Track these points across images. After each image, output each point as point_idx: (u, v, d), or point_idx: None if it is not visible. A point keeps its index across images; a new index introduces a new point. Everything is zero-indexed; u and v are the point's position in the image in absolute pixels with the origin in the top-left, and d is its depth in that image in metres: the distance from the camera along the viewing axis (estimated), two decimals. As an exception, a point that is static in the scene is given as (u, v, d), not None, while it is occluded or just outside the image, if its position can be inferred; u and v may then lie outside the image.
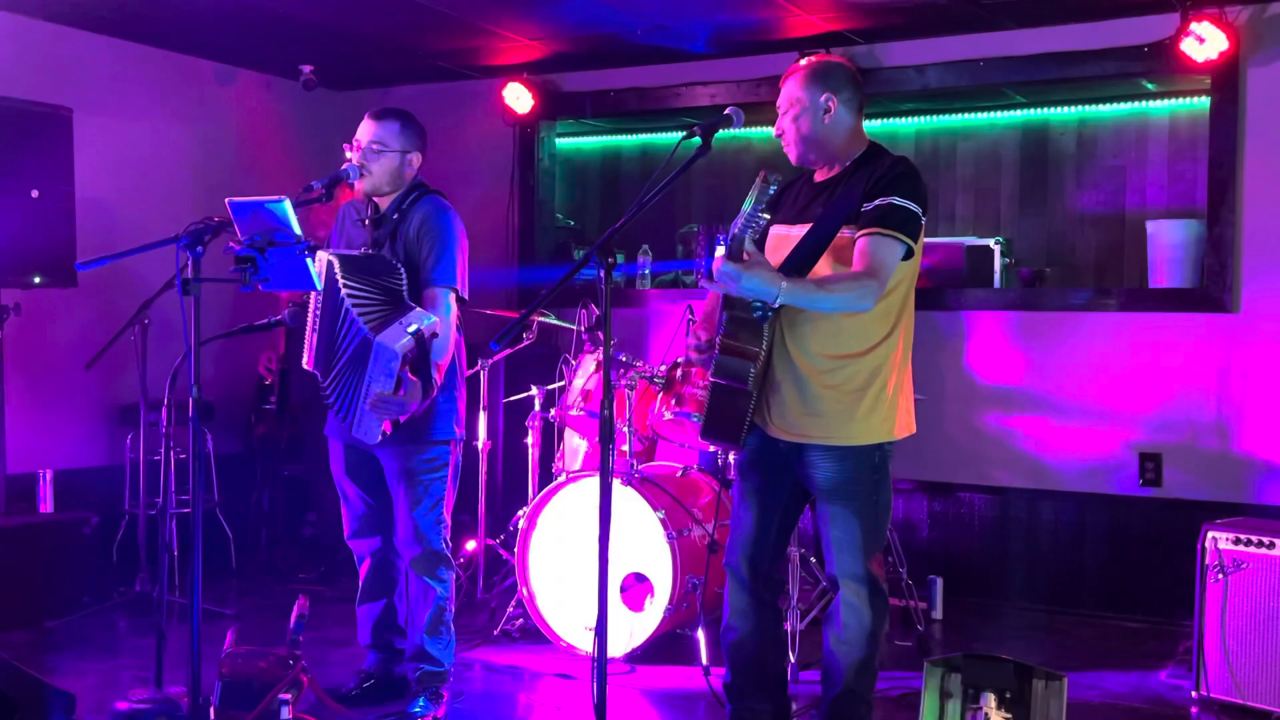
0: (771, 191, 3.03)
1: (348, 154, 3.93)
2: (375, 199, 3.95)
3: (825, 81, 3.42)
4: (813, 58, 3.53)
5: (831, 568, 3.44)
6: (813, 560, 4.79)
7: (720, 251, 3.10)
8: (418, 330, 3.61)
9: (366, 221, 3.96)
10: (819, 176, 3.47)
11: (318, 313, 3.84)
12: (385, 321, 3.64)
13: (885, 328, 3.35)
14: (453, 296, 3.85)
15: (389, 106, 4.00)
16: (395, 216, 3.92)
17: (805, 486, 3.47)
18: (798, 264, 3.27)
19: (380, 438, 3.73)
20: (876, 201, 3.24)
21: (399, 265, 3.79)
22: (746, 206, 3.06)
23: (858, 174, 3.37)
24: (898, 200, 3.23)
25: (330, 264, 3.77)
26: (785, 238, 3.40)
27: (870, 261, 3.19)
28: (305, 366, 3.92)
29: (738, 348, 3.29)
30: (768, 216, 3.12)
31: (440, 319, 3.72)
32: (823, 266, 3.29)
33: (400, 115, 3.96)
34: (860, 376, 3.34)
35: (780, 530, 3.57)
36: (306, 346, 3.88)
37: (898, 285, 3.31)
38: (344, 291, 3.69)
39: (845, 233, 3.27)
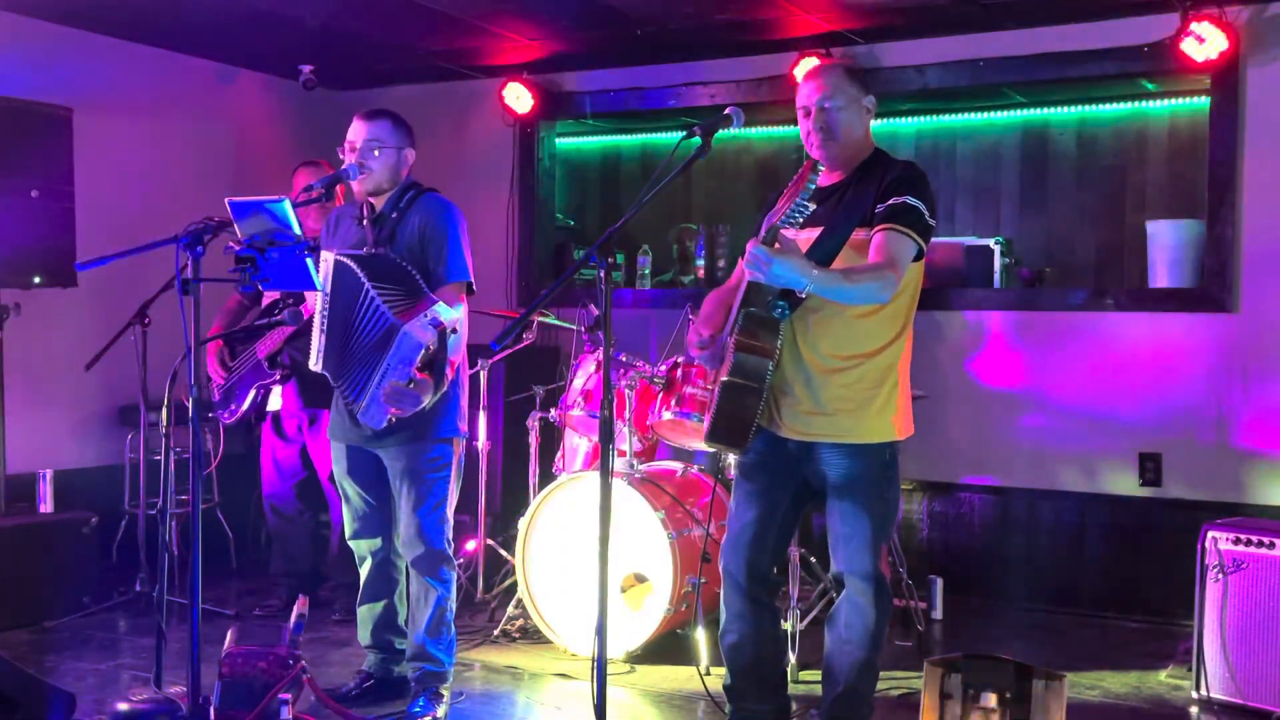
0: (813, 186, 2.99)
1: (342, 157, 3.94)
2: (371, 199, 3.96)
3: (864, 83, 3.47)
4: (829, 59, 3.54)
5: (839, 565, 3.44)
6: (813, 560, 4.79)
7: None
8: (440, 325, 3.66)
9: (365, 222, 3.96)
10: (823, 180, 3.46)
11: (325, 313, 3.84)
12: (410, 311, 3.68)
13: (895, 329, 3.39)
14: (464, 292, 3.90)
15: (376, 107, 4.03)
16: (394, 216, 3.93)
17: (813, 486, 3.48)
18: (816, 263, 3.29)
19: (385, 424, 3.74)
20: (890, 201, 3.26)
21: (406, 264, 3.80)
22: (794, 197, 3.03)
23: (867, 177, 3.38)
24: (911, 200, 3.26)
25: (341, 263, 3.78)
26: (792, 239, 3.39)
27: (887, 254, 3.22)
28: (312, 368, 3.92)
29: (755, 345, 3.27)
30: (814, 205, 3.09)
31: (457, 316, 3.79)
32: (838, 266, 3.30)
33: (390, 113, 4.00)
34: (871, 376, 3.38)
35: (780, 533, 3.57)
36: (314, 348, 3.88)
37: (906, 288, 3.34)
38: (369, 284, 3.71)
39: (860, 234, 3.30)
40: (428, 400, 3.72)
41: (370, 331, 3.74)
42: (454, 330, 3.73)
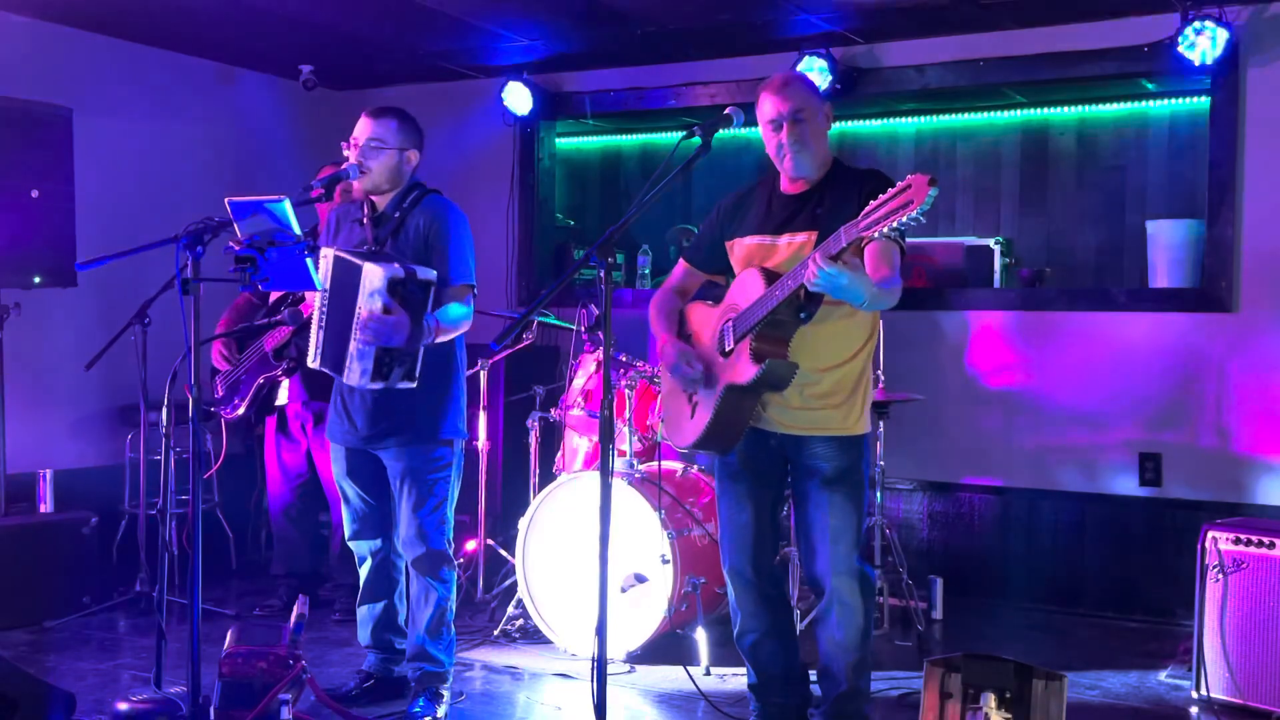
0: (928, 207, 2.80)
1: (346, 153, 3.93)
2: (373, 198, 3.95)
3: (823, 95, 3.54)
4: (790, 71, 3.55)
5: (823, 565, 3.46)
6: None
7: None
8: (412, 270, 3.64)
9: (365, 221, 3.96)
10: (793, 189, 3.49)
11: (324, 309, 3.83)
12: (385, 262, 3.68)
13: (869, 330, 3.49)
14: (469, 293, 3.89)
15: (386, 105, 4.00)
16: (396, 216, 3.92)
17: (798, 479, 3.51)
18: None
19: (368, 381, 3.66)
20: None
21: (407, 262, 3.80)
22: (896, 210, 2.84)
23: (837, 185, 3.42)
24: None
25: (340, 259, 3.77)
26: (772, 247, 3.45)
27: (891, 264, 3.29)
28: (311, 364, 3.92)
29: (780, 352, 3.28)
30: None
31: (465, 313, 3.84)
32: None
33: (398, 113, 3.96)
34: (854, 373, 3.46)
35: (773, 529, 3.63)
36: (313, 344, 3.87)
37: None
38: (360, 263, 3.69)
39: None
40: (403, 341, 3.63)
41: (345, 289, 3.71)
42: (430, 282, 3.69)
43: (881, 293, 3.20)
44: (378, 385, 3.71)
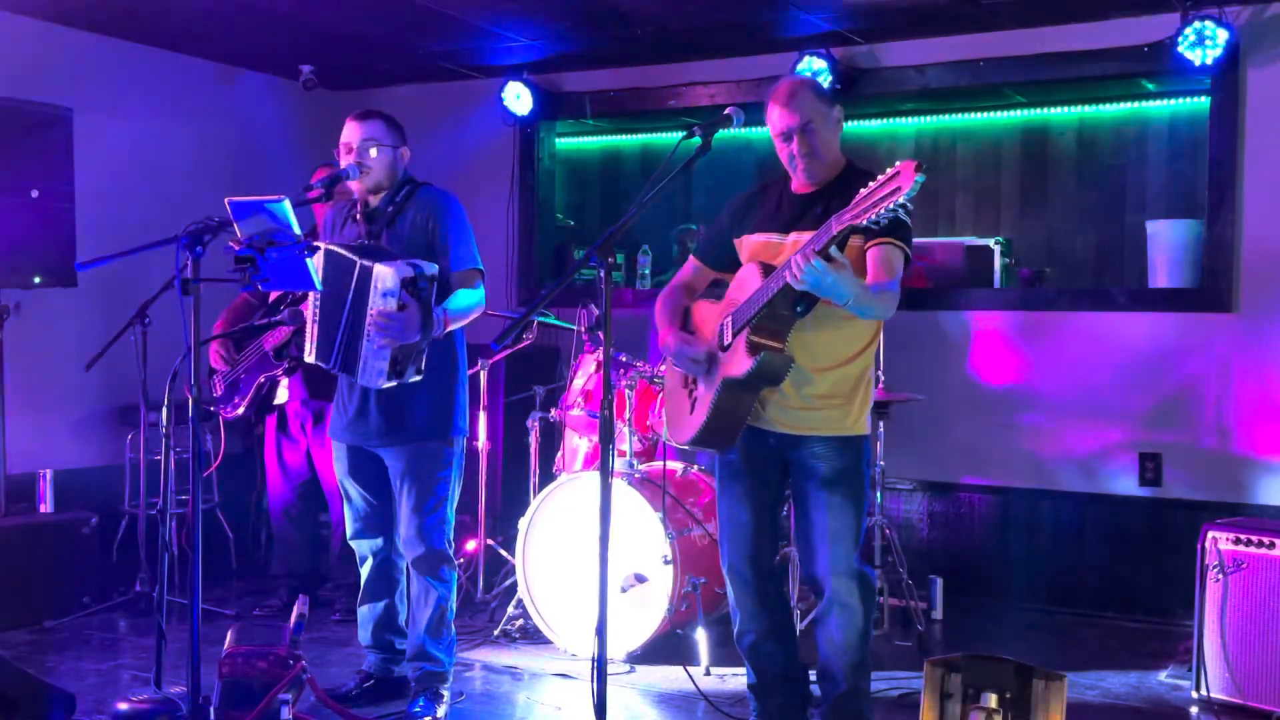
0: (915, 192, 2.82)
1: (338, 160, 3.94)
2: (369, 197, 3.96)
3: (832, 96, 3.52)
4: (795, 76, 3.54)
5: (822, 566, 3.46)
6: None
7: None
8: (419, 266, 3.67)
9: (358, 217, 3.98)
10: (803, 189, 3.50)
11: (318, 304, 3.84)
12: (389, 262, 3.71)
13: (872, 331, 3.48)
14: (478, 278, 3.92)
15: (367, 109, 4.04)
16: (389, 210, 3.94)
17: (797, 479, 3.51)
18: None
19: (384, 380, 3.69)
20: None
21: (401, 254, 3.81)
22: (883, 199, 2.84)
23: (848, 186, 3.38)
24: (902, 214, 3.27)
25: (331, 251, 3.79)
26: (780, 245, 3.45)
27: (891, 270, 3.28)
28: (307, 359, 3.93)
29: (775, 346, 3.27)
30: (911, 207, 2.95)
31: (477, 298, 3.87)
32: None
33: (381, 113, 4.02)
34: (854, 374, 3.46)
35: (772, 528, 3.63)
36: (308, 339, 3.88)
37: None
38: (359, 261, 3.70)
39: (855, 241, 3.29)
40: (419, 336, 3.67)
41: (349, 288, 3.73)
42: (434, 277, 3.72)
43: (872, 297, 3.18)
44: (392, 384, 3.73)
